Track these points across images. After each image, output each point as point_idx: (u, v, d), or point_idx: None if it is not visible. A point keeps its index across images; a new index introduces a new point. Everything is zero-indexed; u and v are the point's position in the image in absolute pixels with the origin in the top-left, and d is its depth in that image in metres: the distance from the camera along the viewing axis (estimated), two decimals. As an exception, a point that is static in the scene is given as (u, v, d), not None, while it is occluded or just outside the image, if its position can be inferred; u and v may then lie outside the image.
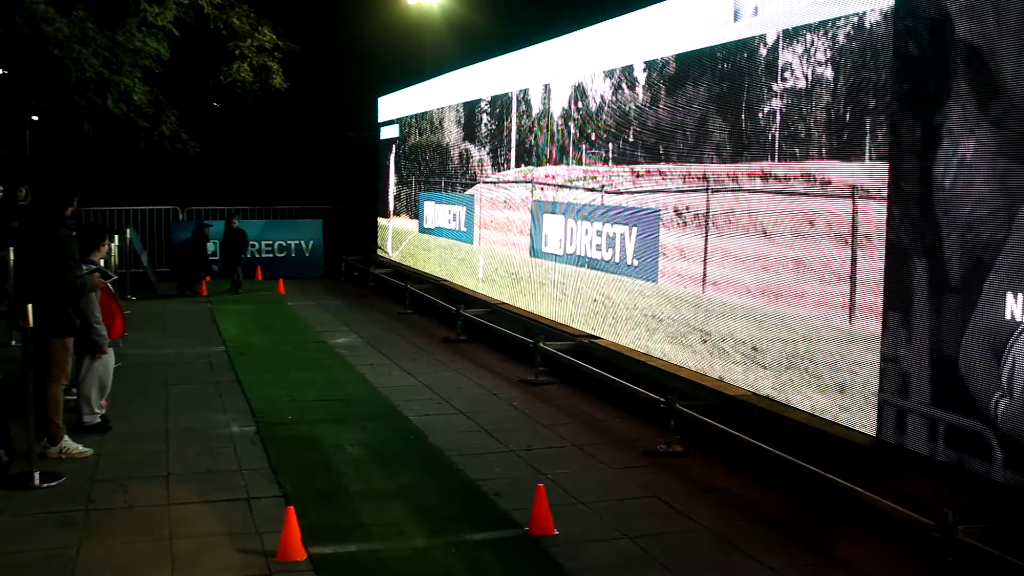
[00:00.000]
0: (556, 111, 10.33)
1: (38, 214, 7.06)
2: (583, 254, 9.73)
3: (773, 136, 6.73)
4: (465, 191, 13.40)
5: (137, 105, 15.96)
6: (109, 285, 7.73)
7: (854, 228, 5.96)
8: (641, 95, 8.56)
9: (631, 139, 8.71)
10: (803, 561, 5.14)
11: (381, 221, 18.53)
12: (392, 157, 17.66)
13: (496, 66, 12.34)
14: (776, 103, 6.70)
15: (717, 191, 7.38)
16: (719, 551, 5.29)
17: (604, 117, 9.22)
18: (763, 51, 6.84)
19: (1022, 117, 4.74)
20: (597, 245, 9.43)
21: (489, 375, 9.91)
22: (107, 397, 7.69)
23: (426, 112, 15.48)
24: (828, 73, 6.20)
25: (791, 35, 6.54)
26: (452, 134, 14.08)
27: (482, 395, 9.03)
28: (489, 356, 10.86)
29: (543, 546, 5.28)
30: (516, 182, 11.47)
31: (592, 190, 9.49)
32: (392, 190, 17.64)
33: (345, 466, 6.73)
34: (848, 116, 6.03)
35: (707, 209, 7.50)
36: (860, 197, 5.90)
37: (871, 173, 5.81)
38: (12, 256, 9.33)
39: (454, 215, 13.92)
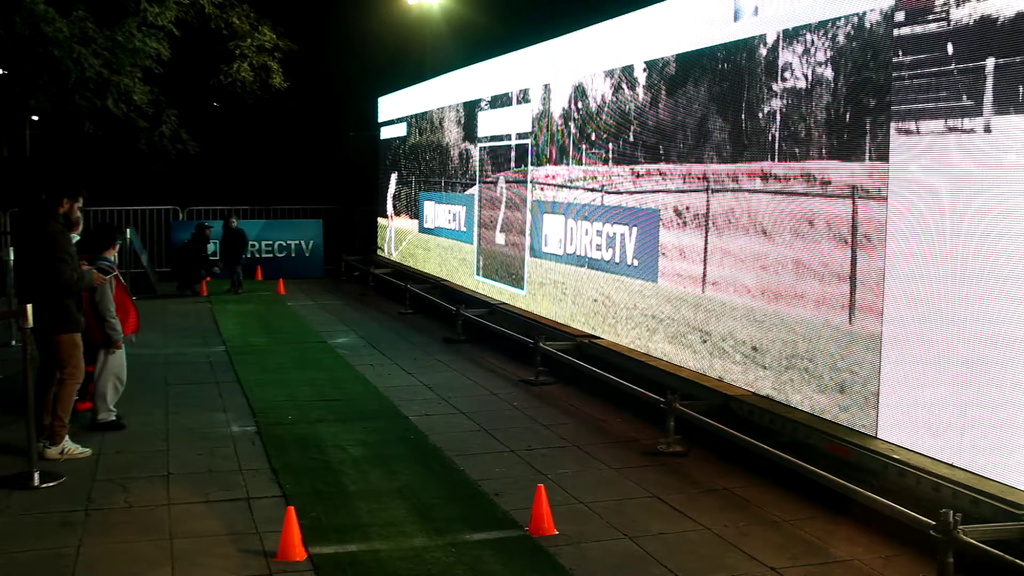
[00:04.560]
0: (556, 111, 10.32)
1: (33, 212, 7.05)
2: (583, 254, 9.73)
3: (773, 136, 6.73)
4: (465, 191, 13.39)
5: (137, 105, 15.98)
6: (121, 279, 7.73)
7: (854, 228, 5.96)
8: (641, 95, 8.55)
9: (631, 139, 8.71)
10: (803, 561, 5.14)
11: (381, 221, 18.53)
12: (392, 157, 17.66)
13: (496, 66, 12.33)
14: (776, 103, 6.69)
15: (717, 191, 7.37)
16: (719, 551, 5.29)
17: (604, 117, 9.22)
18: (763, 51, 6.84)
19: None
20: (597, 245, 9.42)
21: (489, 375, 9.91)
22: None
23: (426, 112, 15.47)
24: (828, 73, 6.20)
25: (791, 35, 6.54)
26: (452, 134, 14.08)
27: (482, 395, 9.03)
28: (489, 356, 10.85)
29: (543, 546, 5.28)
30: (516, 182, 11.46)
31: (592, 190, 9.48)
32: (392, 190, 17.63)
33: (345, 466, 6.73)
34: (848, 116, 6.03)
35: (707, 209, 7.50)
36: (860, 197, 5.90)
37: (871, 173, 5.81)
38: (12, 255, 9.37)
39: (454, 215, 13.92)
